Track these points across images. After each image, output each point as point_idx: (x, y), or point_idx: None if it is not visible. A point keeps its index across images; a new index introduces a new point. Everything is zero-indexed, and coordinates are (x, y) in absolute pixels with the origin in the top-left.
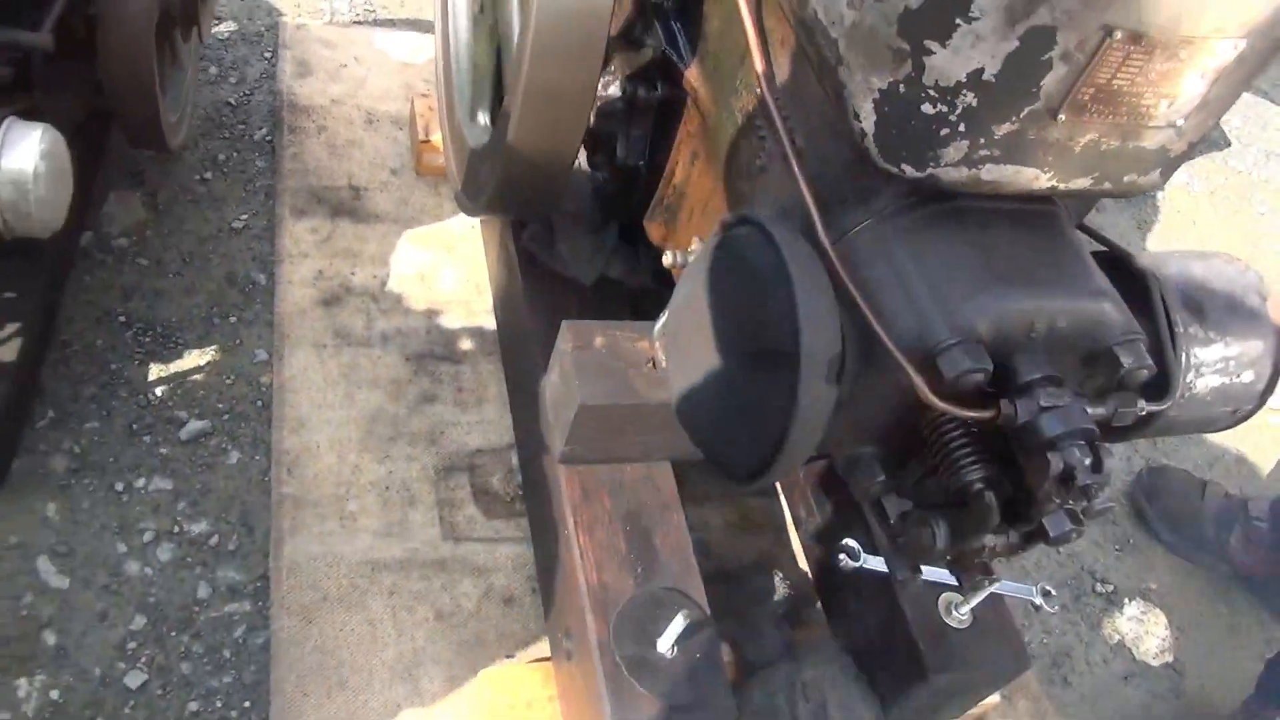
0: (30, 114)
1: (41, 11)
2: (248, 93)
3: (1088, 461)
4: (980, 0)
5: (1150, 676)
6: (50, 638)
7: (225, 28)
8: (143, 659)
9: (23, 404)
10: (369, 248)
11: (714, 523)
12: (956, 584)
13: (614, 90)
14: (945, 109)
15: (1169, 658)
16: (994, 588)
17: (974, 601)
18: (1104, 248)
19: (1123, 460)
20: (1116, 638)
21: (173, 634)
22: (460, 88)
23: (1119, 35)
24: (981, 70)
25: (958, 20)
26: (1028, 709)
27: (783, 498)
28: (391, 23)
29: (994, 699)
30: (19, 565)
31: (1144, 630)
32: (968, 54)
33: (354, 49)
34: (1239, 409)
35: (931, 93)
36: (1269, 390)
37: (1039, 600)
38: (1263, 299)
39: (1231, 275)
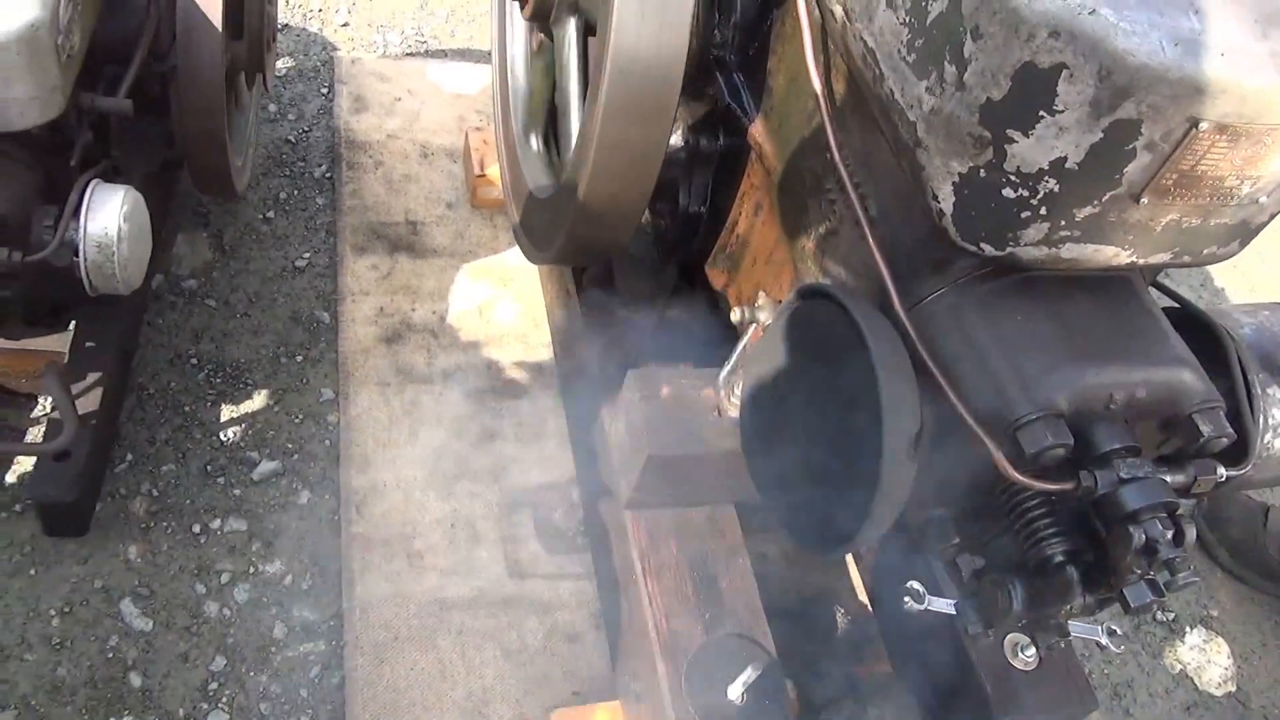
0: (110, 174)
1: (118, 73)
2: (306, 129)
3: (1170, 535)
4: (1065, 94)
5: (1213, 707)
6: (136, 679)
7: (282, 64)
8: (223, 699)
9: (104, 451)
10: (428, 283)
11: (771, 554)
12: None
13: (676, 139)
14: (1026, 194)
15: (1232, 687)
16: None
17: (1042, 646)
18: (1177, 304)
19: None
20: (1178, 667)
21: (251, 674)
22: (523, 141)
23: (1205, 126)
24: (1065, 159)
25: (1041, 113)
26: None
27: None
28: (443, 53)
29: None
30: (104, 609)
31: (1206, 659)
32: (1051, 144)
33: (407, 82)
34: None
35: (1013, 178)
36: None
37: (1105, 640)
38: None
39: None
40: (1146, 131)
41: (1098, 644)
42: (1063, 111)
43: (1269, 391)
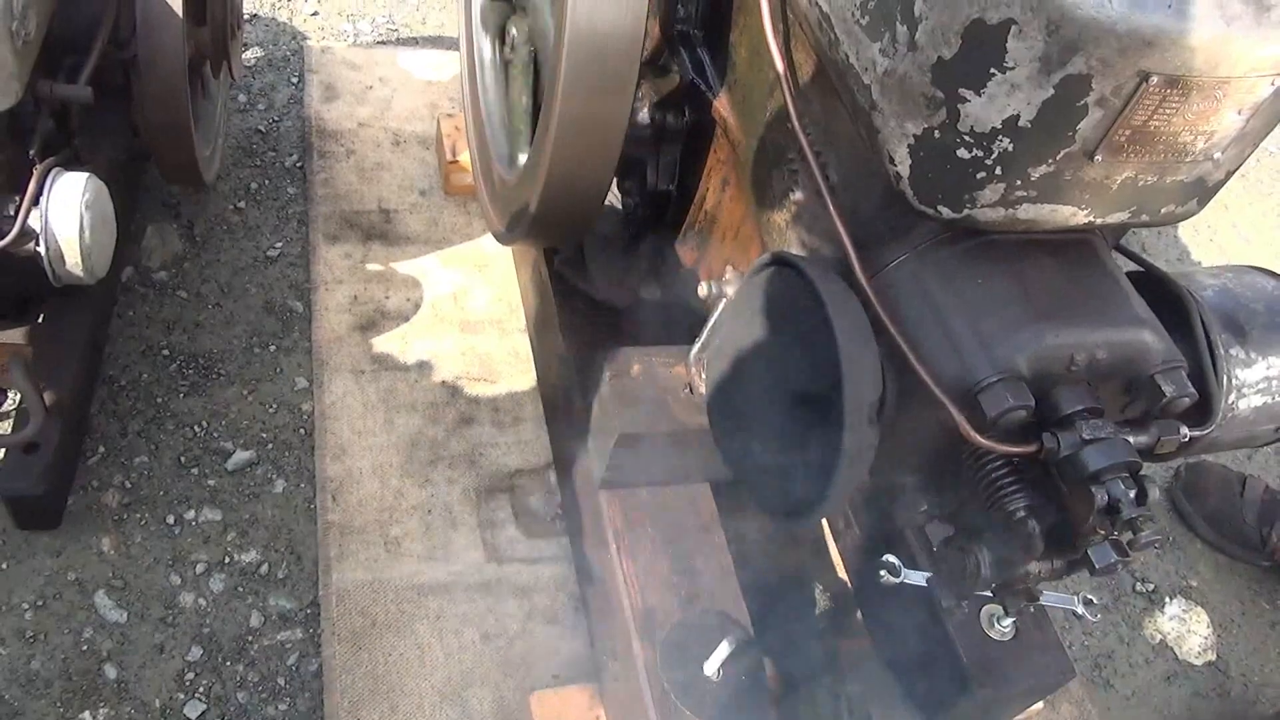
0: (72, 163)
1: (79, 61)
2: (276, 119)
3: (1132, 494)
4: (1014, 50)
5: (1194, 676)
6: (111, 671)
7: (252, 54)
8: (200, 689)
9: (75, 443)
10: (402, 270)
11: (751, 534)
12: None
13: (643, 116)
14: (981, 154)
15: (1212, 656)
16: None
17: (1012, 610)
18: (1141, 268)
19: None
20: (1158, 637)
21: (228, 664)
22: (491, 123)
23: (1155, 80)
24: (1017, 117)
25: (992, 70)
26: (1071, 713)
27: None
28: (414, 41)
29: (1036, 706)
30: (78, 601)
31: (1186, 629)
32: (1003, 102)
33: (379, 70)
34: None
35: (967, 138)
36: None
37: (1080, 609)
38: None
39: (1270, 291)
40: (1097, 87)
41: (1074, 613)
42: (1013, 68)
43: (1232, 352)
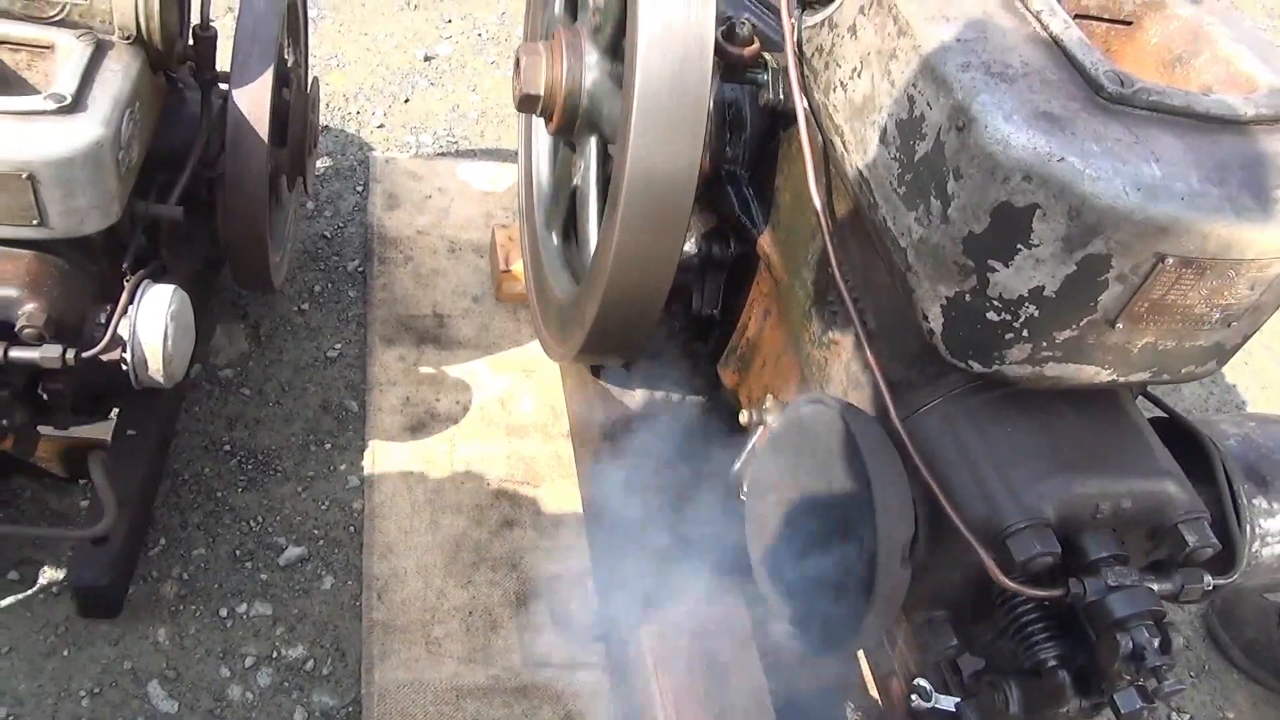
0: (159, 274)
1: (170, 180)
2: (341, 225)
3: (1156, 642)
4: (1040, 230)
5: None
6: None
7: (321, 163)
8: None
9: (139, 535)
10: (453, 374)
11: (785, 649)
12: None
13: (690, 246)
14: (1009, 317)
15: None
16: None
17: None
18: (1166, 415)
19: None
20: None
21: None
22: (546, 246)
23: (1170, 261)
24: (1042, 288)
25: (1019, 246)
26: None
27: None
28: (473, 153)
29: None
30: (132, 690)
31: None
32: (1029, 274)
33: (438, 180)
34: None
35: (996, 303)
36: None
37: None
38: None
39: None
40: (1116, 265)
41: None
42: (1038, 245)
43: (1255, 502)
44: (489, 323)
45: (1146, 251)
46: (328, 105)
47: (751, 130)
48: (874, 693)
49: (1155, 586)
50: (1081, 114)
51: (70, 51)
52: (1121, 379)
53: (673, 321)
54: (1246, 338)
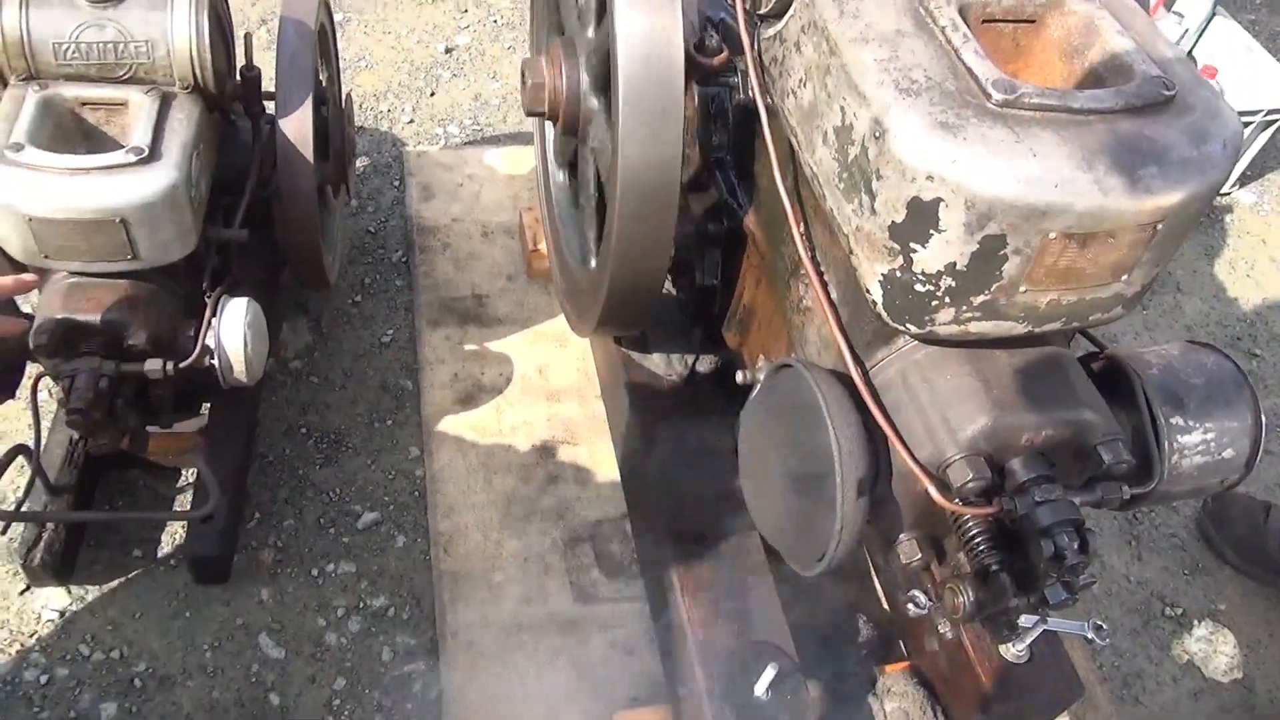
0: (233, 287)
1: (233, 202)
2: (384, 219)
3: (1075, 545)
4: (945, 218)
5: (1220, 692)
6: (275, 699)
7: (360, 163)
8: (345, 713)
9: (238, 512)
10: (494, 349)
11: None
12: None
13: (689, 227)
14: (933, 288)
15: (1238, 674)
16: (1045, 626)
17: (1028, 640)
18: (1097, 349)
19: None
20: (1186, 657)
21: (367, 691)
22: (565, 231)
23: (1054, 236)
24: (955, 263)
25: (931, 231)
26: None
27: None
28: (497, 139)
29: (1062, 718)
30: (245, 642)
31: (1213, 649)
32: (942, 253)
33: (467, 168)
34: (1226, 479)
35: (920, 277)
36: (1251, 462)
37: (1090, 634)
38: (1239, 385)
39: (1209, 366)
40: (1011, 242)
41: (1085, 639)
42: (946, 230)
43: (1173, 421)
44: (523, 299)
45: (1033, 230)
46: (360, 106)
47: (733, 122)
48: (885, 605)
49: (1078, 499)
50: (973, 120)
51: (141, 106)
52: (1036, 329)
53: (680, 295)
54: (1146, 286)
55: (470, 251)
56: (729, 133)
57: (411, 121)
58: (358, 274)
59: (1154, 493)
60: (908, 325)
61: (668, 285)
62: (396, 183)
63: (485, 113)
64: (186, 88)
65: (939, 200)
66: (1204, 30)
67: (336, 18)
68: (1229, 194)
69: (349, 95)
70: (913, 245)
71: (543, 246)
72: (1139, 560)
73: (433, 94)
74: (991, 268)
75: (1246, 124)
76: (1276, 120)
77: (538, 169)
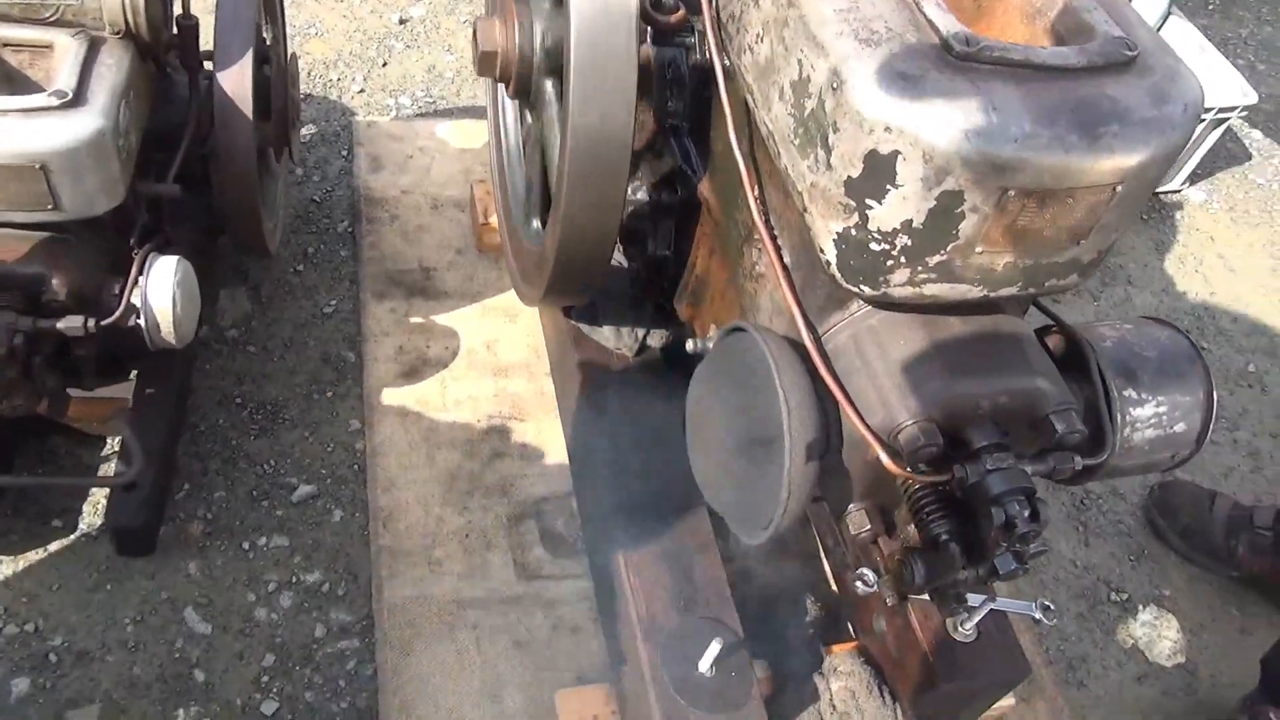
0: (163, 246)
1: (168, 159)
2: (330, 189)
3: (1026, 513)
4: (902, 173)
5: (1163, 676)
6: (199, 675)
7: (307, 131)
8: (274, 690)
9: (166, 481)
10: (441, 322)
11: (751, 552)
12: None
13: (642, 195)
14: (888, 247)
15: (1181, 659)
16: (994, 605)
17: (976, 619)
18: (1054, 322)
19: (1139, 477)
20: (1130, 642)
21: (297, 668)
22: (515, 199)
23: (1013, 193)
24: (911, 221)
25: (888, 186)
26: (1045, 710)
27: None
28: (450, 112)
29: (1009, 701)
30: (170, 616)
31: (1157, 634)
32: (899, 209)
33: (418, 140)
34: (1177, 453)
35: (875, 235)
36: (1202, 437)
37: (1038, 614)
38: (1192, 359)
39: (1163, 340)
40: (969, 198)
41: (1033, 619)
42: (903, 186)
43: (1125, 393)
44: (473, 273)
45: (992, 186)
46: (309, 74)
47: (689, 87)
48: (834, 587)
49: (1030, 468)
50: (933, 72)
51: (67, 50)
52: (992, 293)
53: (632, 265)
54: (1102, 252)
55: (419, 224)
56: (685, 98)
57: (362, 91)
58: (301, 243)
59: (1106, 465)
60: (862, 287)
61: (620, 257)
62: (344, 153)
63: (439, 85)
64: (117, 33)
65: (896, 154)
66: (1159, 30)
67: None
68: (1180, 191)
69: (293, 55)
70: (869, 202)
71: (494, 220)
72: (1086, 546)
73: (385, 65)
74: (948, 226)
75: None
76: (1227, 119)
77: (490, 135)
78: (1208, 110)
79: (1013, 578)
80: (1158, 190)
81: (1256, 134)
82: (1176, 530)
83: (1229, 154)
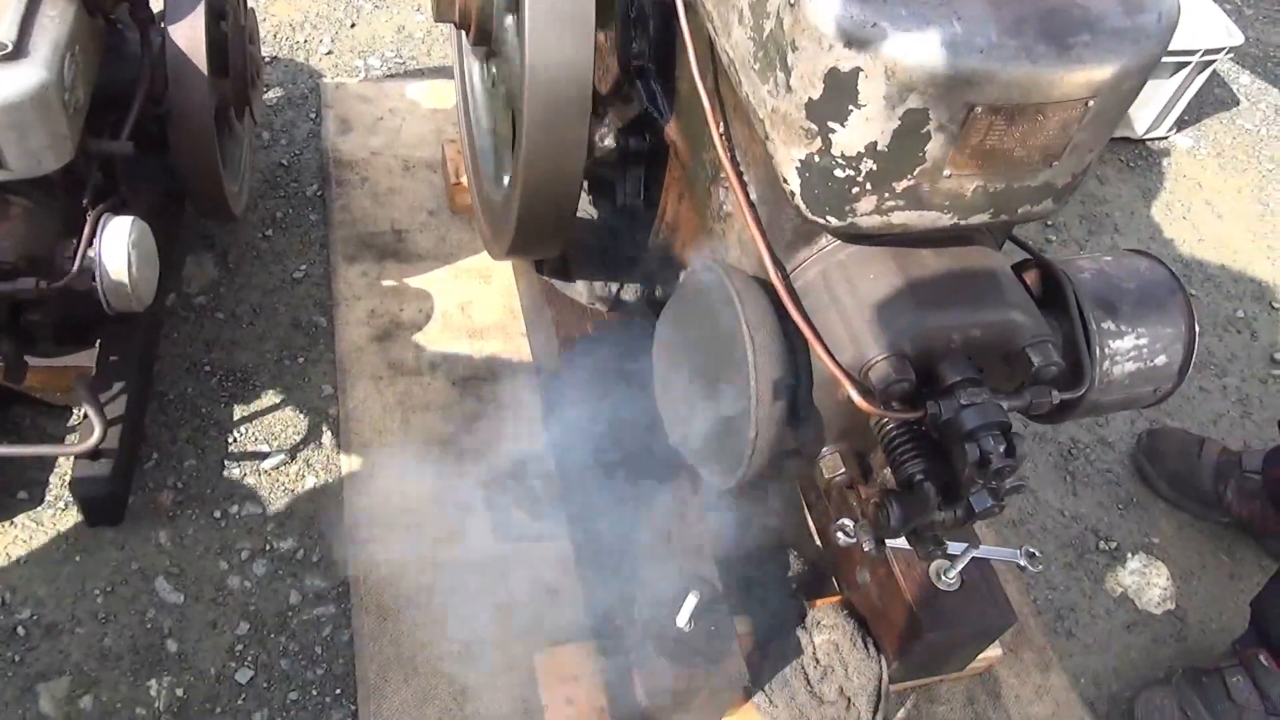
0: (119, 207)
1: (120, 117)
2: (298, 152)
3: (1002, 448)
4: (864, 91)
5: (1153, 624)
6: (172, 645)
7: (273, 93)
8: (249, 659)
9: (133, 450)
10: (414, 285)
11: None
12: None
13: (609, 142)
14: (853, 173)
15: (1171, 605)
16: (977, 552)
17: (959, 566)
18: (1030, 255)
19: (1126, 424)
20: (1119, 590)
21: (272, 636)
22: (482, 153)
23: (980, 109)
24: (876, 143)
25: (850, 107)
26: (1033, 660)
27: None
28: (421, 72)
29: (996, 651)
30: (141, 587)
31: (1146, 582)
32: (862, 131)
33: (389, 102)
34: (1159, 387)
35: (840, 161)
36: (1184, 369)
37: (1023, 562)
38: (1172, 290)
39: (1143, 271)
40: (934, 117)
41: (1018, 566)
42: (865, 105)
43: (1104, 326)
44: (446, 234)
45: (957, 102)
46: (275, 36)
47: (653, 27)
48: (818, 542)
49: (1006, 403)
50: None
51: (6, 3)
52: (963, 221)
53: (601, 215)
54: (1076, 176)
55: (390, 186)
56: (649, 37)
57: (330, 53)
58: (269, 208)
59: (1085, 400)
60: (828, 218)
61: (591, 209)
62: (312, 115)
63: (409, 46)
64: None
65: (858, 70)
66: None
67: None
68: (1166, 138)
69: (252, 11)
70: (831, 125)
71: (465, 179)
72: (1074, 495)
73: (353, 25)
74: (914, 147)
75: (1184, 64)
76: (1213, 62)
77: (456, 89)
78: (1193, 52)
79: (989, 515)
80: (1145, 137)
81: (1244, 78)
82: (1165, 477)
83: (1216, 99)
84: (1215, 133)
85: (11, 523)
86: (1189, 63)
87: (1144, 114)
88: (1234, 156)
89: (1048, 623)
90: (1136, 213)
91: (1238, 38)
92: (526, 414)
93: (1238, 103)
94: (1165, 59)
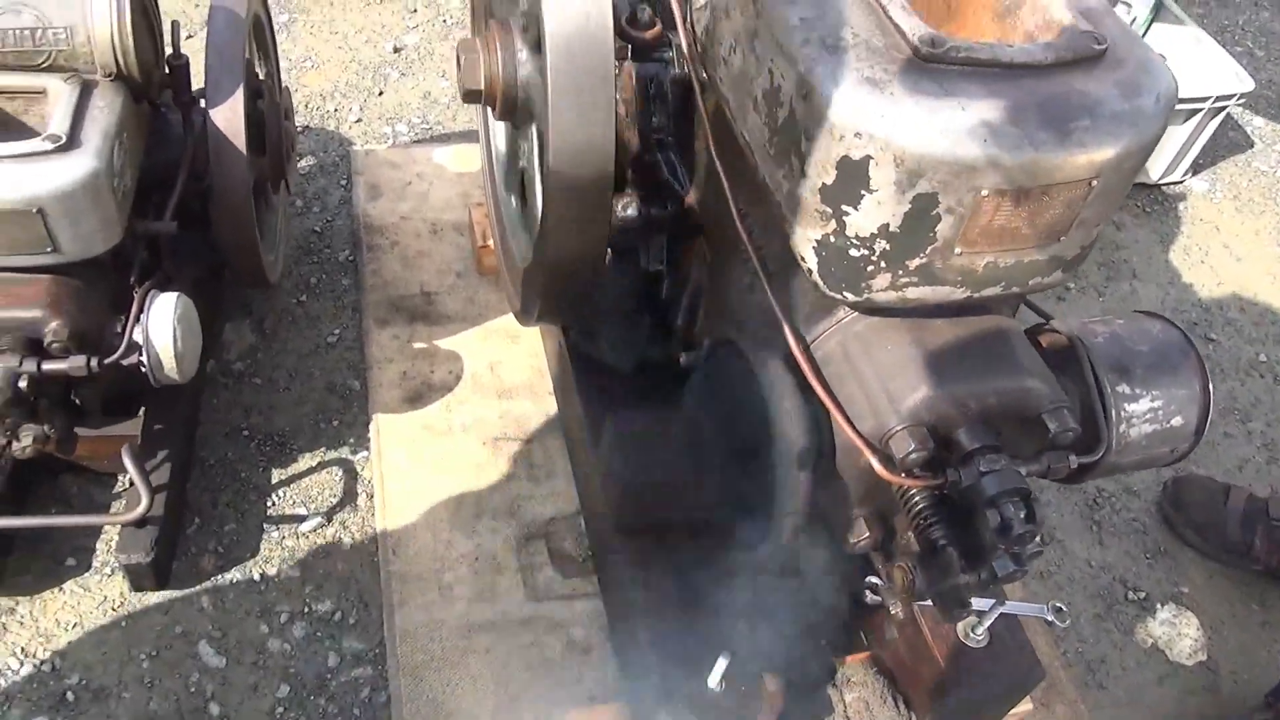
0: (164, 283)
1: (164, 196)
2: (330, 219)
3: (1022, 514)
4: (875, 177)
5: (1184, 676)
6: (215, 709)
7: (306, 162)
8: None
9: (177, 516)
10: (444, 347)
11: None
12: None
13: (632, 211)
14: (867, 252)
15: (1202, 657)
16: (1004, 609)
17: (986, 624)
18: (1043, 319)
19: (1151, 472)
20: (1150, 641)
21: (311, 698)
22: (509, 222)
23: (986, 193)
24: (888, 225)
25: (862, 191)
26: (1065, 714)
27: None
28: (447, 137)
29: (1027, 706)
30: (185, 650)
31: (1177, 633)
32: (875, 214)
33: (416, 167)
34: (1176, 448)
35: (854, 241)
36: (1200, 430)
37: (1050, 617)
38: (1185, 352)
39: (1156, 333)
40: (943, 200)
41: (1046, 621)
42: (877, 190)
43: (1119, 389)
44: (474, 296)
45: (965, 187)
46: (306, 105)
47: (672, 102)
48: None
49: (1024, 469)
50: (899, 75)
51: (60, 94)
52: (975, 294)
53: (626, 280)
54: (1085, 247)
55: (419, 249)
56: (668, 113)
57: (359, 121)
58: (303, 274)
59: (1103, 463)
60: (844, 294)
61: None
62: (343, 182)
63: (434, 111)
64: (109, 75)
65: (868, 158)
66: (1151, 20)
67: (281, 18)
68: (1182, 182)
69: (286, 88)
70: (844, 208)
71: (492, 242)
72: (1100, 545)
73: (381, 93)
74: (925, 228)
75: (1195, 111)
76: (1224, 108)
77: (481, 150)
78: (1205, 99)
79: (1012, 580)
80: (1160, 182)
81: (1258, 121)
82: (1191, 525)
83: (1231, 142)
84: (1231, 176)
85: (60, 589)
86: (1201, 109)
87: (1159, 159)
88: (1251, 199)
89: (1078, 675)
90: (1154, 258)
91: (1248, 84)
92: (557, 472)
93: (1253, 145)
94: (1177, 106)
